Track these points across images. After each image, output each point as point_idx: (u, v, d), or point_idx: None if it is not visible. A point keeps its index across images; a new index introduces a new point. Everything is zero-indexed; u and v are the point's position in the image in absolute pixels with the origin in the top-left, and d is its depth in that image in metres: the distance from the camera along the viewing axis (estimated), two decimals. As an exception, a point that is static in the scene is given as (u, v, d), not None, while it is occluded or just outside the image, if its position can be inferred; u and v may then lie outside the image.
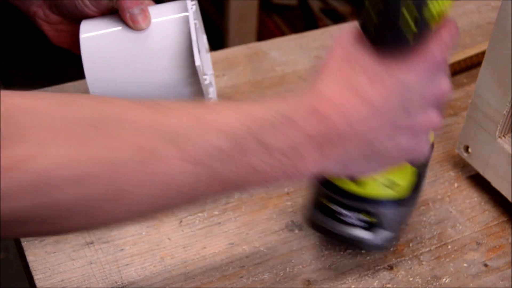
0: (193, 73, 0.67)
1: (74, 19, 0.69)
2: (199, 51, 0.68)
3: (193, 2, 0.68)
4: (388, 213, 0.60)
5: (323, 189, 0.61)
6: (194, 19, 0.67)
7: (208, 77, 0.68)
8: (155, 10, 0.69)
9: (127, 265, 0.64)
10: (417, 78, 0.50)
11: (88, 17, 0.68)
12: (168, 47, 0.67)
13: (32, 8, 0.69)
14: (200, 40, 0.75)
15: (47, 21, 0.70)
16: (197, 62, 0.65)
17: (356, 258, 0.67)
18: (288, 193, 0.72)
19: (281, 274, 0.65)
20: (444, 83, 0.53)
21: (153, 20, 0.68)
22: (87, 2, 0.67)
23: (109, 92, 0.67)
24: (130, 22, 0.66)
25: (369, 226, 0.61)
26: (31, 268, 0.63)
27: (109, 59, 0.67)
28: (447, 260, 0.67)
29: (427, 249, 0.68)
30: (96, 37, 0.67)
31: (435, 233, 0.70)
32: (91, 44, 0.66)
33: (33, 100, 0.41)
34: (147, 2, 0.68)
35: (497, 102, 0.67)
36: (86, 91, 0.80)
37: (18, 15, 0.79)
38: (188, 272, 0.64)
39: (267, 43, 0.92)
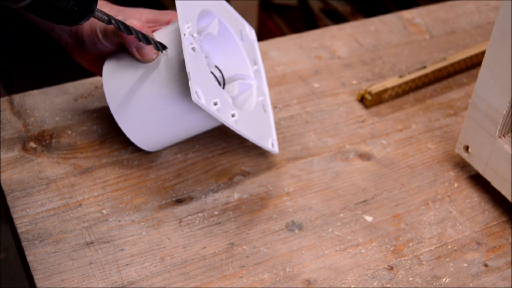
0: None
1: (99, 55, 0.73)
2: (221, 80, 0.70)
3: (188, 24, 0.67)
4: None
5: None
6: (191, 44, 0.66)
7: (219, 102, 0.67)
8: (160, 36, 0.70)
9: (127, 265, 0.64)
10: None
11: (107, 52, 0.72)
12: (174, 76, 0.68)
13: (68, 48, 0.74)
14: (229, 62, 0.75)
15: (83, 58, 0.75)
16: (193, 96, 0.63)
17: (356, 258, 0.67)
18: (288, 193, 0.72)
19: (281, 274, 0.65)
20: None
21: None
22: (103, 41, 0.70)
23: (133, 120, 0.70)
24: (138, 56, 0.68)
25: None
26: (31, 268, 0.63)
27: (129, 96, 0.69)
28: (447, 260, 0.67)
29: (427, 249, 0.68)
30: (115, 81, 0.70)
31: (435, 233, 0.70)
32: (112, 86, 0.70)
33: None
34: (151, 33, 0.69)
35: (497, 102, 0.67)
36: (85, 91, 0.81)
37: (18, 16, 0.80)
38: (188, 272, 0.64)
39: (267, 43, 0.92)
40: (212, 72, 0.73)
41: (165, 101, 0.68)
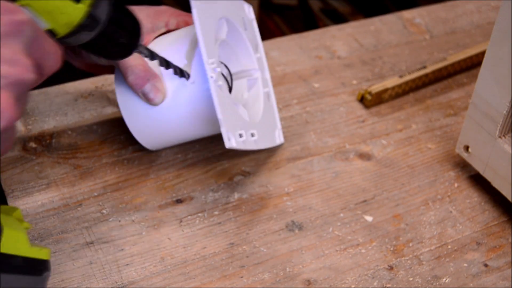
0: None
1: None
2: (229, 77, 0.70)
3: (212, 60, 0.65)
4: None
5: None
6: (216, 81, 0.64)
7: (244, 133, 0.66)
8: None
9: (127, 265, 0.64)
10: None
11: (99, 67, 0.72)
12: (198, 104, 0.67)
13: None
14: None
15: (75, 61, 0.73)
16: (227, 144, 0.63)
17: (356, 258, 0.67)
18: (288, 193, 0.72)
19: (281, 274, 0.65)
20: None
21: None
22: (97, 61, 0.69)
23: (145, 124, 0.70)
24: (144, 99, 0.68)
25: None
26: (31, 268, 0.63)
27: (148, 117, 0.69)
28: (447, 260, 0.67)
29: (427, 249, 0.68)
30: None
31: (435, 233, 0.70)
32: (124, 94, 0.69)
33: None
34: (156, 76, 0.67)
35: (497, 102, 0.67)
36: (86, 91, 0.81)
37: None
38: (188, 272, 0.64)
39: (267, 43, 0.92)
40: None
41: (186, 123, 0.68)
